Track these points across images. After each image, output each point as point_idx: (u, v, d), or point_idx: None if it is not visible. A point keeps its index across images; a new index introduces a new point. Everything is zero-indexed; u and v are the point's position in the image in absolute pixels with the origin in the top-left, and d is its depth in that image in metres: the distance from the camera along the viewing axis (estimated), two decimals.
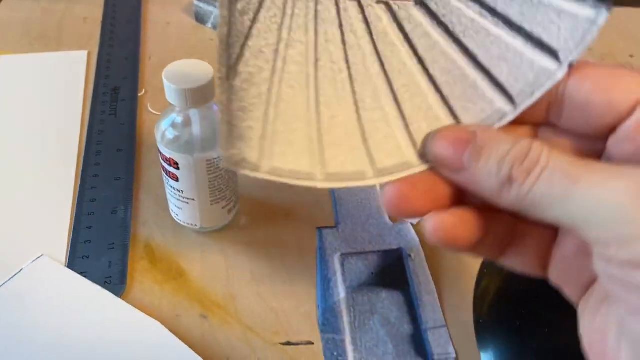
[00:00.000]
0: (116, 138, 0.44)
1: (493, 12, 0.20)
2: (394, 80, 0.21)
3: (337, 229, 0.38)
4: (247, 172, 0.21)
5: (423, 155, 0.21)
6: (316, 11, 0.21)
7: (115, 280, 0.34)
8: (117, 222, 0.37)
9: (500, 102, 0.21)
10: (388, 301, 0.34)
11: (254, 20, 0.20)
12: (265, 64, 0.20)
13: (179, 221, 0.37)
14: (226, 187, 0.34)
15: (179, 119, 0.32)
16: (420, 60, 0.21)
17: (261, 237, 0.37)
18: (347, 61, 0.21)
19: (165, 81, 0.30)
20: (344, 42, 0.21)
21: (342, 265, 0.36)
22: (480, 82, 0.21)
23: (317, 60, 0.21)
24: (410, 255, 0.36)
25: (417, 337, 0.32)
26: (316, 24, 0.21)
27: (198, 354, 0.30)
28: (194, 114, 0.31)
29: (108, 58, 0.53)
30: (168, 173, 0.33)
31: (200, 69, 0.30)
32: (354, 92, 0.21)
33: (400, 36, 0.21)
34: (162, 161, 0.33)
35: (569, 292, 0.21)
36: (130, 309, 0.32)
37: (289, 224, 0.38)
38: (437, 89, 0.21)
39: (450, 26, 0.21)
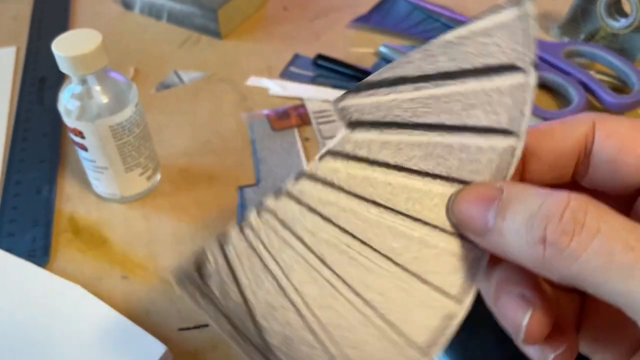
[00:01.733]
0: (42, 124, 0.44)
1: (430, 78, 0.19)
2: (397, 204, 0.19)
3: (257, 187, 0.39)
4: None
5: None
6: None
7: (39, 254, 0.35)
8: (41, 201, 0.38)
9: (499, 141, 0.19)
10: None
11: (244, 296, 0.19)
12: (285, 311, 0.18)
13: (100, 194, 0.38)
14: (138, 154, 0.36)
15: (78, 89, 0.33)
16: (399, 168, 0.19)
17: (183, 201, 0.39)
18: (348, 238, 0.19)
19: (54, 51, 0.31)
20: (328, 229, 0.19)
21: None
22: (466, 141, 0.19)
23: (323, 261, 0.19)
24: None
25: None
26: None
27: (119, 312, 0.31)
28: (91, 81, 0.32)
29: (36, 51, 0.53)
30: (77, 144, 0.34)
31: (88, 36, 0.31)
32: (376, 255, 0.19)
33: (366, 165, 0.19)
34: (69, 134, 0.34)
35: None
36: (52, 277, 0.33)
37: (211, 187, 0.40)
38: (434, 176, 0.19)
39: (400, 119, 0.19)
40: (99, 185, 0.37)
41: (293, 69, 0.50)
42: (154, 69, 0.51)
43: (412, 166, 0.19)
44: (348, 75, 0.48)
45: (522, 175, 0.19)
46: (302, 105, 0.46)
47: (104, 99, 0.33)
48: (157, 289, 0.33)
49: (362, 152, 0.19)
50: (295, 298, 0.18)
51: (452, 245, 0.19)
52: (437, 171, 0.19)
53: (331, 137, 0.43)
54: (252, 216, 0.19)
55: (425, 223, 0.19)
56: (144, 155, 0.36)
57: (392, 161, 0.19)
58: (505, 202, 0.16)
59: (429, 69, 0.19)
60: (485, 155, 0.19)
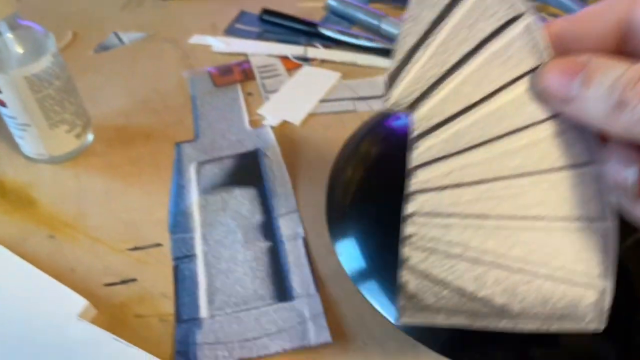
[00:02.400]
0: None
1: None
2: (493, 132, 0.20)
3: (196, 142, 0.38)
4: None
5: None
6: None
7: None
8: None
9: (515, 28, 0.19)
10: (241, 197, 0.34)
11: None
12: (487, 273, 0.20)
13: (28, 154, 0.36)
14: (62, 109, 0.34)
15: None
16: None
17: (118, 160, 0.37)
18: (482, 186, 0.20)
19: None
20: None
21: (198, 172, 0.35)
22: (493, 47, 0.20)
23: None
24: (266, 154, 0.36)
25: (268, 224, 0.32)
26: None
27: (43, 270, 0.30)
28: (2, 28, 0.30)
29: None
30: None
31: None
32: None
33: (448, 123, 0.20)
34: None
35: None
36: None
37: (148, 145, 0.38)
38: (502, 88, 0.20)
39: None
40: (24, 144, 0.35)
41: (238, 25, 0.49)
42: (94, 31, 0.49)
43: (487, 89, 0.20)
44: (295, 30, 0.47)
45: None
46: (247, 61, 0.45)
47: (19, 49, 0.31)
48: (84, 247, 0.31)
49: (436, 119, 0.20)
50: (486, 258, 0.20)
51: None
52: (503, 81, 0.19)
53: (275, 91, 0.41)
54: (407, 230, 0.21)
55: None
56: (69, 111, 0.34)
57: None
58: (590, 72, 0.18)
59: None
60: (514, 46, 0.19)
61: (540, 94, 0.19)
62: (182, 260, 0.30)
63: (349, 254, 0.30)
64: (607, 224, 0.19)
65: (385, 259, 0.28)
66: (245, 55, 0.45)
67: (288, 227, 0.32)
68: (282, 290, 0.28)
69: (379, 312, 0.27)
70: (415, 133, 0.20)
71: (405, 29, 0.20)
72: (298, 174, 0.35)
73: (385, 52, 0.43)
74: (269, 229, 0.32)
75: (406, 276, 0.20)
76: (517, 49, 0.19)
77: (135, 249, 0.31)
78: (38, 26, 0.32)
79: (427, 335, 0.26)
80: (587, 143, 0.19)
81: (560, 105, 0.19)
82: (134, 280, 0.30)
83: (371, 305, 0.27)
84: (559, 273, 0.20)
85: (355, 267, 0.29)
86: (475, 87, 0.20)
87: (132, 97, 0.42)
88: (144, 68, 0.45)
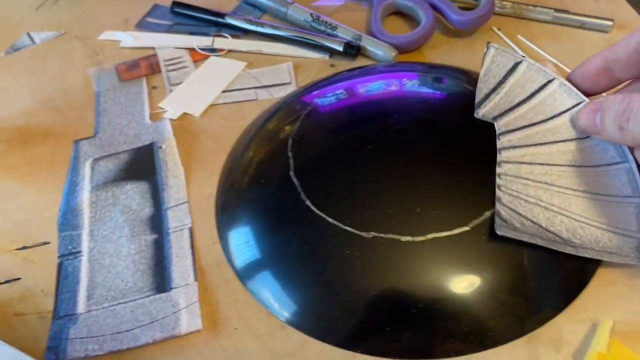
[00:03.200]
0: None
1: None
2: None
3: (94, 138, 0.38)
4: None
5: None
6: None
7: None
8: None
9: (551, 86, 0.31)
10: (132, 191, 0.34)
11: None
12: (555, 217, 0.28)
13: None
14: None
15: None
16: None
17: (16, 160, 0.37)
18: (545, 168, 0.29)
19: None
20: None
21: (92, 169, 0.36)
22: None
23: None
24: (161, 147, 0.36)
25: (157, 217, 0.32)
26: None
27: None
28: None
29: None
30: None
31: None
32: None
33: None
34: None
35: None
36: None
37: (46, 144, 0.38)
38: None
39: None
40: None
41: (150, 19, 0.48)
42: (8, 32, 0.49)
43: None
44: (207, 21, 0.47)
45: (612, 77, 0.30)
46: (154, 55, 0.44)
47: None
48: None
49: (511, 127, 0.31)
50: (553, 208, 0.28)
51: None
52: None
53: (179, 83, 0.41)
54: (497, 181, 0.28)
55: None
56: None
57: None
58: (603, 110, 0.27)
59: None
60: (556, 93, 0.31)
61: (580, 127, 0.29)
62: (67, 257, 0.31)
63: (233, 242, 0.30)
64: (637, 200, 0.28)
65: (263, 243, 0.29)
66: (153, 49, 0.45)
67: (176, 218, 0.32)
68: (160, 282, 0.29)
69: (254, 298, 0.28)
70: (498, 132, 0.30)
71: (480, 85, 0.31)
72: (193, 165, 0.35)
73: (290, 40, 0.43)
74: (156, 222, 0.32)
75: (499, 208, 0.27)
76: (559, 95, 0.31)
77: (23, 248, 0.31)
78: None
79: (300, 319, 0.27)
80: (618, 150, 0.29)
81: (593, 133, 0.28)
82: (17, 279, 0.30)
83: (247, 291, 0.28)
84: (605, 226, 0.28)
85: (237, 255, 0.30)
86: (536, 115, 0.31)
87: (36, 97, 0.42)
88: (52, 67, 0.44)
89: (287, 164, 0.30)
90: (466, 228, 0.26)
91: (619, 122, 0.26)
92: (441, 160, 0.29)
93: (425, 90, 0.34)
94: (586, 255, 0.27)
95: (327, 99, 0.34)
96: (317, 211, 0.28)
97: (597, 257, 0.27)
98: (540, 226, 0.27)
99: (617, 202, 0.28)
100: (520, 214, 0.27)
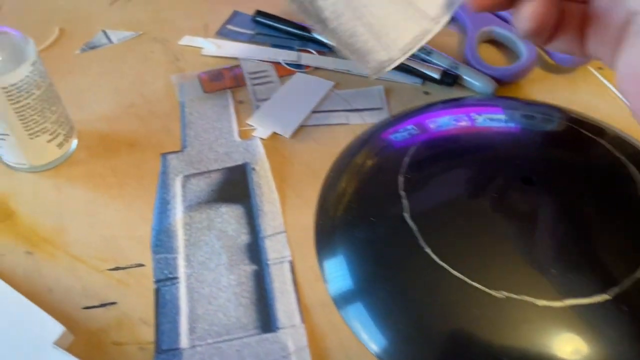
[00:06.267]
0: None
1: None
2: None
3: (182, 153, 0.36)
4: (392, 67, 0.28)
5: None
6: None
7: None
8: None
9: None
10: (227, 215, 0.33)
11: None
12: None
13: (7, 162, 0.35)
14: (43, 119, 0.32)
15: None
16: None
17: (100, 170, 0.36)
18: None
19: None
20: None
21: (184, 186, 0.34)
22: None
23: None
24: (254, 168, 0.35)
25: (254, 246, 0.31)
26: None
27: (19, 290, 0.29)
28: None
29: None
30: None
31: None
32: None
33: None
34: None
35: (604, 55, 0.24)
36: None
37: (132, 154, 0.37)
38: None
39: None
40: (3, 153, 0.34)
41: (231, 27, 0.47)
42: (81, 28, 0.47)
43: None
44: (289, 33, 0.45)
45: None
46: (238, 66, 0.43)
47: None
48: (63, 265, 0.30)
49: None
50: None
51: None
52: None
53: (266, 99, 0.40)
54: None
55: None
56: (50, 120, 0.33)
57: None
58: None
59: None
60: None
61: None
62: (164, 283, 0.29)
63: (337, 281, 0.29)
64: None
65: (372, 286, 0.28)
66: (236, 59, 0.44)
67: (274, 249, 0.31)
68: (266, 320, 0.28)
69: (366, 348, 0.26)
70: None
71: None
72: (287, 191, 0.34)
73: None
74: (254, 251, 0.31)
75: None
76: None
77: (116, 269, 0.30)
78: (16, 31, 0.31)
79: None
80: None
81: None
82: (113, 303, 0.29)
83: (357, 338, 0.27)
84: (377, 28, 0.27)
85: (342, 295, 0.28)
86: None
87: (117, 102, 0.40)
88: (131, 70, 0.43)
89: (400, 204, 0.29)
90: (606, 297, 0.24)
91: None
92: (575, 216, 0.27)
93: (547, 132, 0.32)
94: (329, 41, 0.29)
95: (435, 134, 0.33)
96: (438, 261, 0.26)
97: (336, 47, 0.29)
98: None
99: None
100: None
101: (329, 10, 0.27)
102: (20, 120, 0.31)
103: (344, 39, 0.28)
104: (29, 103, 0.31)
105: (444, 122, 0.34)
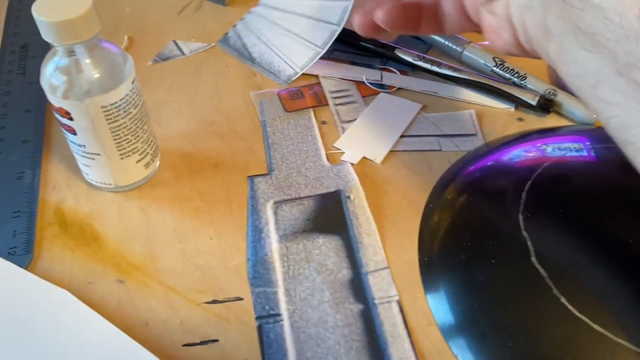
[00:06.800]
0: (24, 98, 0.39)
1: None
2: None
3: (270, 176, 0.35)
4: (296, 77, 0.40)
5: None
6: None
7: (20, 251, 0.30)
8: (23, 187, 0.33)
9: None
10: (325, 247, 0.31)
11: None
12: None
13: (91, 181, 0.33)
14: (135, 138, 0.31)
15: (64, 61, 0.28)
16: None
17: (186, 191, 0.34)
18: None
19: (35, 15, 0.26)
20: None
21: (275, 213, 0.32)
22: None
23: None
24: (349, 197, 0.33)
25: (357, 282, 0.29)
26: None
27: (113, 322, 0.27)
28: (80, 52, 0.27)
29: (18, 15, 0.48)
30: (64, 126, 0.30)
31: (76, 0, 0.26)
32: None
33: None
34: (54, 113, 0.29)
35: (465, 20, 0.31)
36: (36, 280, 0.29)
37: (217, 176, 0.35)
38: None
39: None
40: (89, 172, 0.32)
41: None
42: (149, 37, 0.46)
43: None
44: (369, 50, 0.43)
45: None
46: (318, 84, 0.41)
47: (95, 74, 0.28)
48: (157, 296, 0.29)
49: None
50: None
51: None
52: None
53: (351, 121, 0.38)
54: None
55: None
56: (141, 140, 0.31)
57: None
58: None
59: None
60: None
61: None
62: (266, 320, 0.28)
63: (456, 330, 0.27)
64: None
65: (497, 335, 0.26)
66: (316, 76, 0.42)
67: (379, 287, 0.29)
68: None
69: None
70: None
71: None
72: (384, 222, 0.32)
73: (469, 83, 0.40)
74: (358, 288, 0.29)
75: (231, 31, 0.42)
76: None
77: (214, 302, 0.28)
78: (116, 47, 0.29)
79: None
80: None
81: None
82: (215, 341, 0.27)
83: None
84: (285, 57, 0.42)
85: (462, 345, 0.26)
86: None
87: (196, 118, 0.39)
88: (207, 84, 0.41)
89: (524, 245, 0.27)
90: None
91: None
92: None
93: None
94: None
95: (549, 166, 0.31)
96: (577, 314, 0.24)
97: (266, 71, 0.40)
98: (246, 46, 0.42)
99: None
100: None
101: (255, 53, 0.43)
102: (115, 140, 0.30)
103: (265, 66, 0.42)
104: (125, 123, 0.29)
105: (554, 153, 0.33)
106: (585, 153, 0.32)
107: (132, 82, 0.29)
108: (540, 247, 0.27)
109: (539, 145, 0.34)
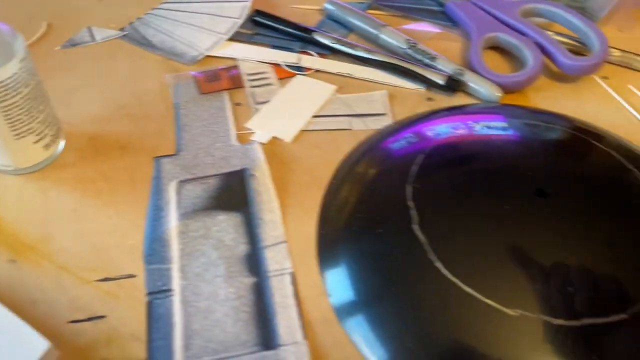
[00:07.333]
0: None
1: None
2: None
3: (177, 157, 0.35)
4: (201, 58, 0.41)
5: None
6: None
7: None
8: None
9: None
10: (225, 224, 0.31)
11: None
12: None
13: None
14: (30, 119, 0.30)
15: None
16: None
17: (90, 173, 0.34)
18: None
19: None
20: None
21: (178, 192, 0.33)
22: None
23: None
24: (253, 175, 0.33)
25: (253, 256, 0.29)
26: None
27: (2, 302, 0.27)
28: None
29: None
30: None
31: None
32: None
33: None
34: None
35: None
36: None
37: (124, 158, 0.35)
38: None
39: None
40: None
41: None
42: (69, 24, 0.45)
43: None
44: (289, 34, 0.44)
45: None
46: (236, 67, 0.41)
47: None
48: (48, 275, 0.28)
49: None
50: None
51: None
52: None
53: (265, 102, 0.38)
54: None
55: None
56: (37, 120, 0.31)
57: None
58: None
59: None
60: None
61: None
62: (157, 296, 0.28)
63: (341, 295, 0.27)
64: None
65: (379, 301, 0.26)
66: (234, 59, 0.42)
67: (275, 260, 0.29)
68: (266, 336, 0.26)
69: None
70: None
71: None
72: (287, 199, 0.33)
73: (384, 65, 0.40)
74: (254, 262, 0.29)
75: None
76: None
77: (106, 279, 0.28)
78: (4, 25, 0.29)
79: None
80: None
81: None
82: (102, 317, 0.27)
83: (362, 355, 0.25)
84: (188, 42, 0.43)
85: (346, 310, 0.27)
86: None
87: (108, 102, 0.38)
88: (122, 69, 0.41)
89: (408, 215, 0.28)
90: (624, 316, 0.23)
91: None
92: (591, 230, 0.26)
93: (555, 142, 0.31)
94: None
95: (443, 142, 0.32)
96: (449, 276, 0.25)
97: (164, 55, 0.41)
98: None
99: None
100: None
101: (156, 41, 0.43)
102: (6, 119, 0.29)
103: (167, 50, 0.42)
104: (16, 102, 0.29)
105: (450, 130, 0.33)
106: (482, 130, 0.33)
107: (21, 61, 0.29)
108: (423, 216, 0.27)
109: (440, 122, 0.35)
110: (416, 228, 0.27)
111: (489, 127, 0.33)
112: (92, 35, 0.44)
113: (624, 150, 0.32)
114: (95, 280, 0.28)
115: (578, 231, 0.26)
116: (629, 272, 0.25)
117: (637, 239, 0.26)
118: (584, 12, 0.44)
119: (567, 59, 0.39)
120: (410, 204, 0.28)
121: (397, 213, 0.28)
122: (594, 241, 0.26)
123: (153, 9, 0.46)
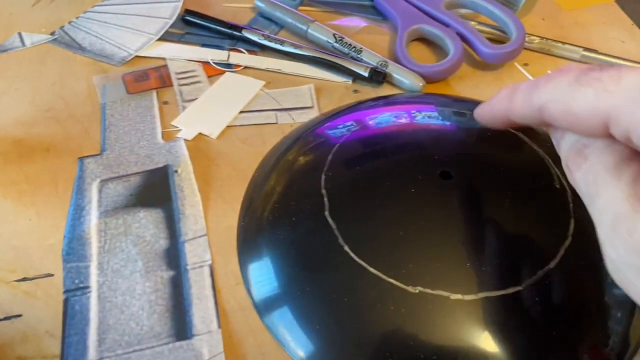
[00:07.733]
0: None
1: None
2: None
3: (101, 156, 0.35)
4: (130, 58, 0.42)
5: None
6: None
7: None
8: None
9: None
10: (146, 220, 0.31)
11: None
12: None
13: None
14: None
15: None
16: None
17: (13, 176, 0.34)
18: None
19: None
20: None
21: (100, 191, 0.33)
22: None
23: None
24: (176, 171, 0.34)
25: (173, 250, 0.30)
26: None
27: None
28: None
29: None
30: None
31: None
32: None
33: None
34: None
35: None
36: None
37: (47, 159, 0.35)
38: None
39: None
40: None
41: None
42: (1, 30, 0.45)
43: None
44: (221, 33, 0.44)
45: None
46: (164, 66, 0.42)
47: None
48: None
49: None
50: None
51: None
52: None
53: (193, 100, 0.39)
54: None
55: None
56: None
57: None
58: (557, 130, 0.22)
59: None
60: None
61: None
62: (74, 293, 0.28)
63: (258, 284, 0.28)
64: None
65: (293, 288, 0.27)
66: (163, 59, 0.42)
67: (194, 253, 0.30)
68: (180, 327, 0.26)
69: (284, 349, 0.26)
70: None
71: None
72: (211, 193, 0.33)
73: (311, 61, 0.41)
74: (173, 256, 0.29)
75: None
76: None
77: (24, 279, 0.28)
78: None
79: None
80: None
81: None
82: (18, 316, 0.27)
83: (277, 342, 0.26)
84: (118, 44, 0.43)
85: (263, 299, 0.27)
86: None
87: (35, 106, 0.38)
88: (51, 72, 0.41)
89: (321, 202, 0.28)
90: (518, 288, 0.25)
91: (567, 162, 0.21)
92: (491, 210, 0.27)
93: (468, 128, 0.32)
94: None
95: (360, 131, 0.33)
96: (356, 259, 0.26)
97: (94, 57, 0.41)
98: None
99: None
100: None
101: (86, 44, 0.43)
102: None
103: (96, 52, 0.42)
104: None
105: (371, 119, 0.34)
106: (398, 119, 0.34)
107: None
108: (334, 202, 0.28)
109: (361, 113, 0.35)
110: (328, 215, 0.28)
111: (408, 116, 0.34)
112: (22, 41, 0.44)
113: (533, 133, 0.33)
114: (13, 281, 0.28)
115: (477, 210, 0.27)
116: (525, 249, 0.26)
117: (535, 217, 0.27)
118: (505, 2, 0.45)
119: (486, 48, 0.40)
120: (324, 191, 0.29)
121: (312, 201, 0.29)
122: (492, 219, 0.27)
123: (85, 12, 0.46)
